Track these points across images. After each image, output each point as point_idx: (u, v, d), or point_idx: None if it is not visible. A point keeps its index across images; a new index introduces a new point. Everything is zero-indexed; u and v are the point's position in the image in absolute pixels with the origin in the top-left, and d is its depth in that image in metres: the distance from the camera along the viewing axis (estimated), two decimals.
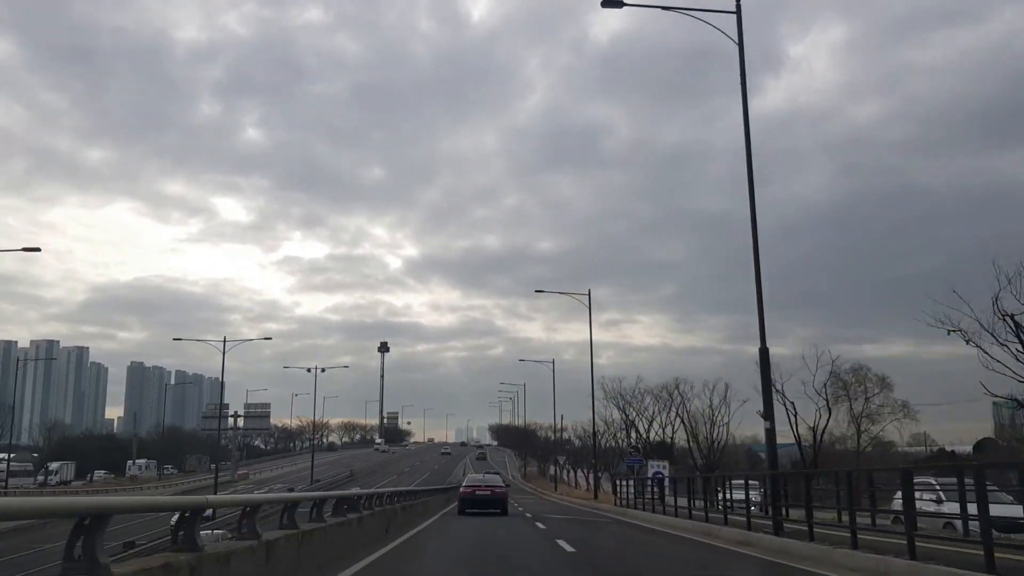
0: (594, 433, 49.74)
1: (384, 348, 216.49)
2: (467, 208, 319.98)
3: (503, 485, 35.12)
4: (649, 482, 35.44)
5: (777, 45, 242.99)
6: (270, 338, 53.65)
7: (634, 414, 54.29)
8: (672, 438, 51.73)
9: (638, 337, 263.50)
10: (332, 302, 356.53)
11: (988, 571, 9.32)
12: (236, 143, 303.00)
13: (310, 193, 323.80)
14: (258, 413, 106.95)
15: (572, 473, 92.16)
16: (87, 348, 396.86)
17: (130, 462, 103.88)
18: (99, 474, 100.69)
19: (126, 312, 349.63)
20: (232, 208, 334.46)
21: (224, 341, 59.93)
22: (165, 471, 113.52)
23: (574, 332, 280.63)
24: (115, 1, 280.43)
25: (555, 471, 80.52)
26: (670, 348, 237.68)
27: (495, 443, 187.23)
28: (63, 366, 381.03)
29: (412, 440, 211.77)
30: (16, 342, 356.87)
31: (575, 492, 68.47)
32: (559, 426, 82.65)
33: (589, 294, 49.06)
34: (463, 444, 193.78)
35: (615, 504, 39.55)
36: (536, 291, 45.25)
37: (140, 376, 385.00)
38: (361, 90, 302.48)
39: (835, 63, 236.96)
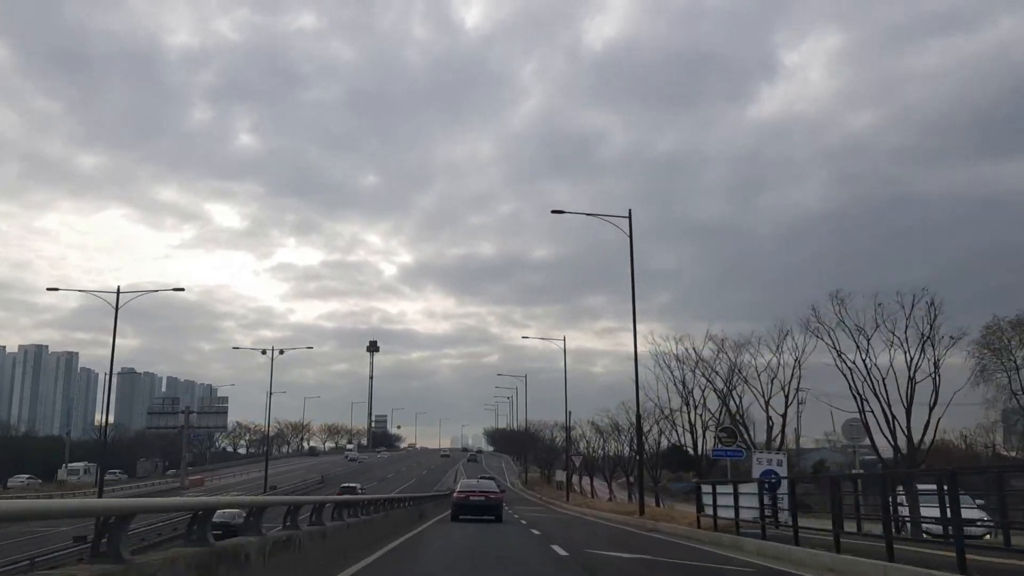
0: (638, 417, 32.85)
1: (373, 348, 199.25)
2: (462, 215, 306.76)
3: (498, 491, 33.13)
4: (762, 488, 19.53)
5: (773, 53, 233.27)
6: (182, 289, 38.66)
7: (711, 375, 36.90)
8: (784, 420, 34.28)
9: (632, 345, 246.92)
10: (326, 309, 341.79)
11: None
12: (229, 149, 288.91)
13: (304, 199, 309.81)
14: (214, 410, 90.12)
15: (582, 480, 74.96)
16: (76, 353, 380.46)
17: (65, 465, 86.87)
18: (20, 479, 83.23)
19: (120, 319, 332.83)
20: (226, 214, 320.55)
21: (117, 292, 43.31)
22: (112, 476, 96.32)
23: (570, 340, 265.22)
24: (107, 5, 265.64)
25: (567, 476, 63.54)
26: (667, 356, 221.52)
27: (491, 448, 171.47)
28: (52, 371, 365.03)
29: (404, 445, 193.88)
30: (4, 347, 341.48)
31: (597, 503, 51.49)
32: (569, 423, 65.42)
33: (630, 215, 32.50)
34: (464, 450, 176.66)
35: (700, 526, 22.62)
36: (553, 211, 29.95)
37: (131, 382, 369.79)
38: (355, 96, 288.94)
39: (831, 71, 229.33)
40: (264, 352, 69.38)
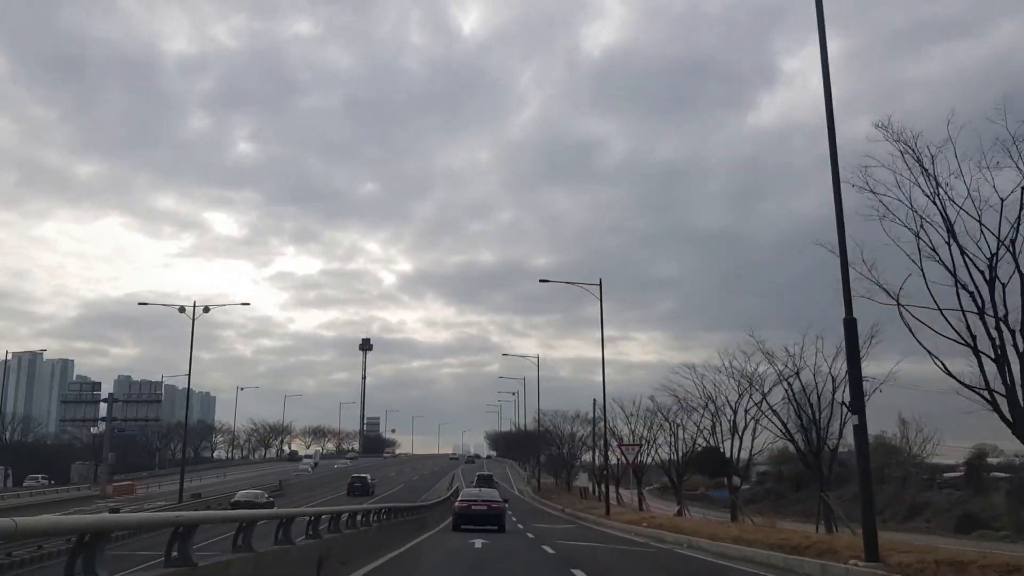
0: (851, 330, 13.16)
1: (366, 346, 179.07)
2: (461, 223, 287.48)
3: (500, 500, 30.61)
4: None
5: (772, 59, 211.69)
6: None
7: None
8: None
9: (635, 354, 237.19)
10: (326, 318, 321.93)
11: None
12: (227, 157, 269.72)
13: (303, 208, 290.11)
14: (144, 398, 70.34)
15: (619, 486, 54.70)
16: (72, 361, 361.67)
17: None
18: None
19: (119, 328, 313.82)
20: (224, 223, 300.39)
21: None
22: (34, 481, 76.39)
23: (570, 349, 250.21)
24: (103, 13, 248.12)
25: (605, 479, 43.42)
26: (667, 365, 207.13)
27: (494, 453, 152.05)
28: (47, 379, 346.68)
29: (387, 451, 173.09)
30: None
31: (671, 520, 31.32)
32: (606, 400, 44.88)
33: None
34: (475, 455, 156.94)
35: None
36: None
37: (127, 390, 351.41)
38: (353, 104, 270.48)
39: (831, 77, 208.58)
40: (182, 310, 49.58)
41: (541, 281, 43.21)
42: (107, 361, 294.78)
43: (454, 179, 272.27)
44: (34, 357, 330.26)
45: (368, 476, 62.99)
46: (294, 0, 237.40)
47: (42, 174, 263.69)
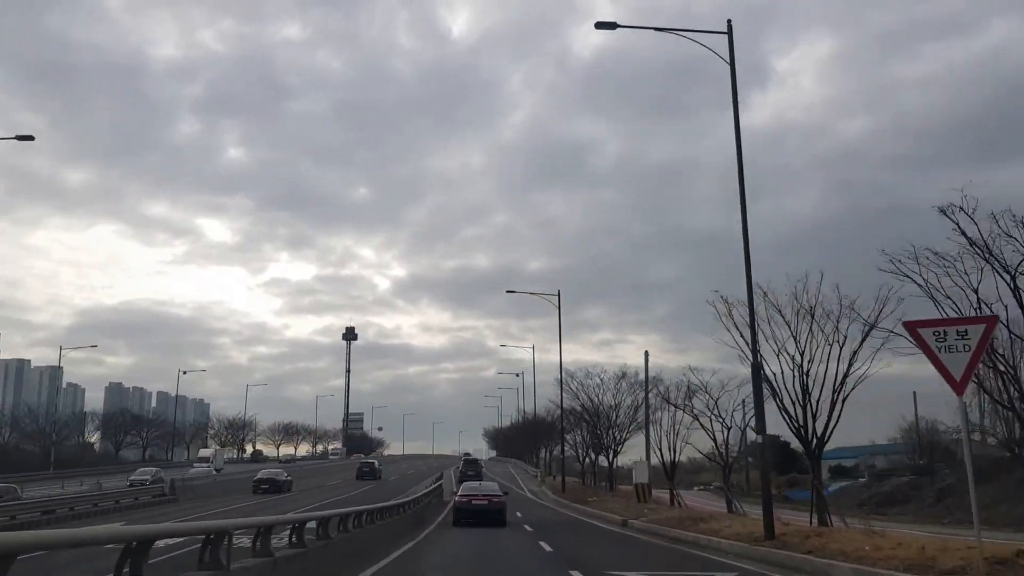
0: None
1: (351, 336, 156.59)
2: (455, 227, 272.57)
3: (501, 494, 29.05)
4: None
5: (763, 60, 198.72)
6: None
7: None
8: None
9: (631, 357, 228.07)
10: (321, 324, 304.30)
11: None
12: (218, 163, 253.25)
13: (296, 213, 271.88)
14: None
15: (685, 487, 32.02)
16: (61, 368, 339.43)
17: None
18: None
19: (114, 336, 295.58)
20: (217, 229, 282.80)
21: None
22: None
23: (567, 352, 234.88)
24: (90, 18, 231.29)
25: (762, 468, 20.47)
26: (664, 368, 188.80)
27: (494, 453, 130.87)
28: (35, 387, 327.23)
29: (385, 450, 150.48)
30: None
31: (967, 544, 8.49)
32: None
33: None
34: (468, 452, 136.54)
35: None
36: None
37: (119, 398, 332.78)
38: (344, 108, 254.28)
39: (823, 78, 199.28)
40: None
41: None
42: (103, 370, 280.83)
43: (447, 183, 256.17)
44: (22, 364, 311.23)
45: (376, 462, 67.33)
46: (282, 4, 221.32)
47: (33, 182, 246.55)
